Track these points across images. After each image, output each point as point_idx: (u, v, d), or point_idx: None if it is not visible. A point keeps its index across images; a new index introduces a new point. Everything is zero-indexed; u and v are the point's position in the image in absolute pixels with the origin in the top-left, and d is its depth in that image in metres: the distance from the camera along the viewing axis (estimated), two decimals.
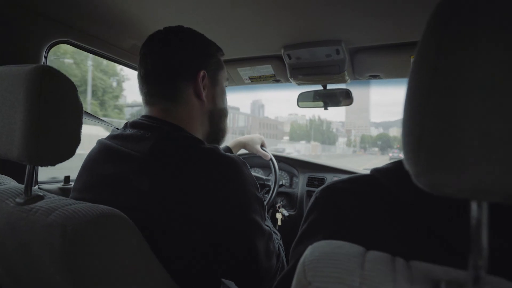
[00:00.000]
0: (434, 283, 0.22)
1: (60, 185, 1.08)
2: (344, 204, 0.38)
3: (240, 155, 1.45)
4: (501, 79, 0.18)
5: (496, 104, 0.19)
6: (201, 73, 0.67)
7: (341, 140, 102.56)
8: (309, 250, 0.28)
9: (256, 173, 1.57)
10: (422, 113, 0.21)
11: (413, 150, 0.22)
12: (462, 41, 0.20)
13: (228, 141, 1.07)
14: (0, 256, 0.51)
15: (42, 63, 0.92)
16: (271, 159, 1.27)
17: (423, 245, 0.30)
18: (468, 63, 0.19)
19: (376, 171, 0.39)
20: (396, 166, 0.37)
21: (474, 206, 0.21)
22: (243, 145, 1.21)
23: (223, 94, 0.76)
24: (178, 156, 0.55)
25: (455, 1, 0.21)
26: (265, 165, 1.45)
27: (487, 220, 0.21)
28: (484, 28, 0.19)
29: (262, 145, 1.26)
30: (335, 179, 0.50)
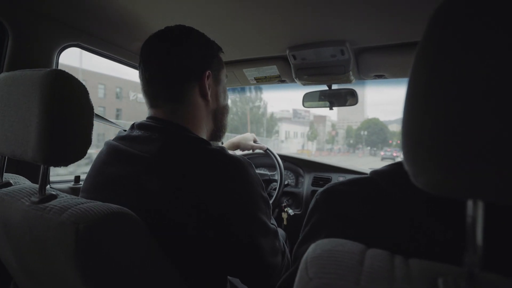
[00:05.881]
0: (432, 279, 0.23)
1: (70, 184, 1.10)
2: (344, 206, 0.39)
3: (244, 155, 1.47)
4: (499, 80, 0.19)
5: (493, 105, 0.19)
6: (207, 73, 0.68)
7: (295, 130, 53.07)
8: (311, 248, 0.28)
9: (262, 171, 1.58)
10: (421, 113, 0.22)
11: (412, 150, 0.22)
12: (461, 42, 0.20)
13: None
14: (16, 252, 0.53)
15: (54, 66, 0.94)
16: (267, 149, 1.31)
17: (421, 245, 0.31)
18: (467, 64, 0.20)
19: (374, 173, 0.40)
20: (394, 168, 0.38)
21: (470, 205, 0.22)
22: (236, 145, 1.22)
23: (225, 91, 0.77)
24: (186, 157, 0.57)
25: (455, 2, 0.21)
26: (271, 164, 1.46)
27: (482, 219, 0.21)
28: (483, 29, 0.20)
29: (255, 141, 1.28)
30: (341, 179, 0.51)
